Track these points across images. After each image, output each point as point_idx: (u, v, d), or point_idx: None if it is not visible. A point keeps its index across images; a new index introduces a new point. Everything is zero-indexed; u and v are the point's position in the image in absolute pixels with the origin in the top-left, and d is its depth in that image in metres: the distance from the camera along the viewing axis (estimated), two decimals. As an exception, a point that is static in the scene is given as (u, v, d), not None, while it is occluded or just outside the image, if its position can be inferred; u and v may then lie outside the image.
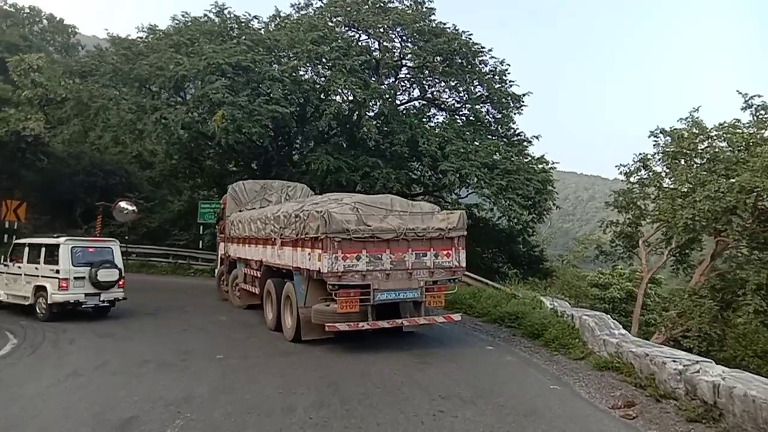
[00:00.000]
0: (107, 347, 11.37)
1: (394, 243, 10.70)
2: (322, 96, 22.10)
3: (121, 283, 14.68)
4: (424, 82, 26.45)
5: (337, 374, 9.30)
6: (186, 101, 20.48)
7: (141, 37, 23.23)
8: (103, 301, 14.47)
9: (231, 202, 16.75)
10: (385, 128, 23.42)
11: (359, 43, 24.31)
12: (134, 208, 26.79)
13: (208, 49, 19.70)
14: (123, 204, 26.37)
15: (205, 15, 23.49)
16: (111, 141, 22.36)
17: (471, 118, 26.28)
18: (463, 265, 11.43)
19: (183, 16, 23.82)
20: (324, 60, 21.12)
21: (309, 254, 10.93)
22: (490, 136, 24.91)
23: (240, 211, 16.34)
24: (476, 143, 23.00)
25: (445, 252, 11.14)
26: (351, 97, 22.93)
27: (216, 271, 18.61)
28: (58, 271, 13.80)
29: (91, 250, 14.51)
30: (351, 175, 21.81)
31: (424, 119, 25.34)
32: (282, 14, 25.04)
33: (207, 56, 19.32)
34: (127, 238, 27.03)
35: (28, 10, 50.57)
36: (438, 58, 24.46)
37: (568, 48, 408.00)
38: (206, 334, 13.07)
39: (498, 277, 21.20)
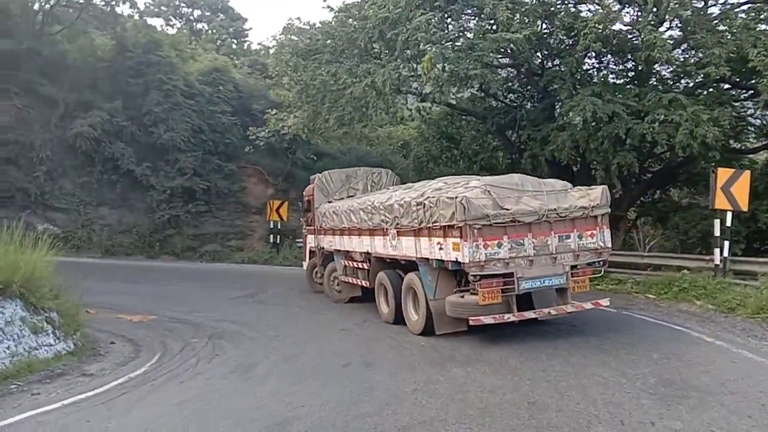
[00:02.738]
0: (218, 392, 7.94)
1: (535, 226, 9.73)
2: (577, 9, 15.24)
3: None
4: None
5: None
6: (394, 55, 16.11)
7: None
8: None
9: (318, 194, 16.12)
10: (687, 46, 15.31)
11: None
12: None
13: (411, -23, 15.11)
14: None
15: None
16: (336, 122, 19.56)
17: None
18: (609, 245, 10.35)
19: None
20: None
21: (439, 244, 10.01)
22: None
23: (329, 201, 15.75)
24: None
25: (589, 232, 10.13)
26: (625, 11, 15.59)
27: (304, 263, 17.88)
28: None
29: None
30: (634, 123, 14.52)
31: (755, 26, 15.97)
32: None
33: (409, -14, 14.75)
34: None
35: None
36: None
37: None
38: (369, 370, 8.69)
39: None
